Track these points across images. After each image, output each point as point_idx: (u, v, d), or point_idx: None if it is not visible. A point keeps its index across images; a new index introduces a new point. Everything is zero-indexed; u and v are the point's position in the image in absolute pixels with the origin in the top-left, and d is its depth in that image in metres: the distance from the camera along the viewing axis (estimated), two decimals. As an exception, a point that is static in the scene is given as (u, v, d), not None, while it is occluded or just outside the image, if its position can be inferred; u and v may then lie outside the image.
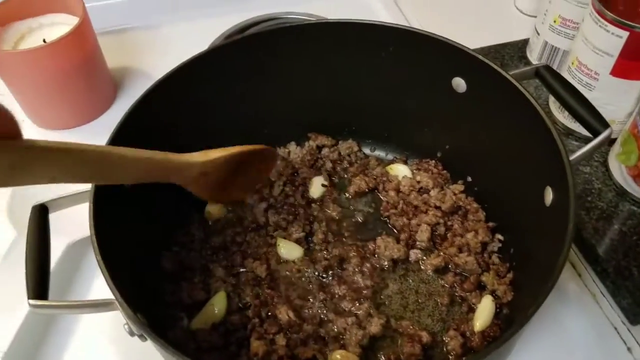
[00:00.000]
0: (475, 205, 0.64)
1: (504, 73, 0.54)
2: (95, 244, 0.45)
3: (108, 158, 0.40)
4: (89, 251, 0.63)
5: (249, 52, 0.61)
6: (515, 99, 0.53)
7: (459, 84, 0.60)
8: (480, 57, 0.56)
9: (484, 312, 0.56)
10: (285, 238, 0.63)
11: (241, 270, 0.61)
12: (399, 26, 0.61)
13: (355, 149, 0.72)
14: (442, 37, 0.58)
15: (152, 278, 0.59)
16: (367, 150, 0.73)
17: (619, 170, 0.68)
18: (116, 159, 0.40)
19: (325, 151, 0.72)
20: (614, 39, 0.63)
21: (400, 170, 0.69)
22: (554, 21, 0.76)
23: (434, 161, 0.69)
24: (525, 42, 0.86)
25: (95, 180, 0.45)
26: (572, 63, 0.69)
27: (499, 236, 0.61)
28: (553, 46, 0.79)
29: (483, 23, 0.93)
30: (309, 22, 0.63)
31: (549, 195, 0.50)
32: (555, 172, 0.48)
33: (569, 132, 0.75)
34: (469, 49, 0.57)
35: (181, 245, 0.62)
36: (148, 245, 0.58)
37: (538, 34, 0.80)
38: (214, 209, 0.66)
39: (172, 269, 0.60)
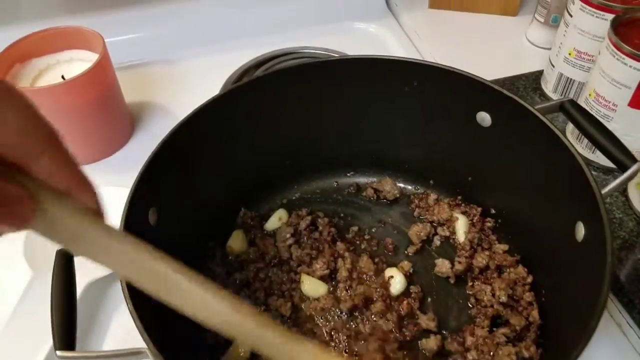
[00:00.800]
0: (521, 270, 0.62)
1: (530, 108, 0.55)
2: (125, 291, 0.43)
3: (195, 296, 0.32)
4: (109, 290, 0.63)
5: (272, 88, 0.62)
6: (542, 134, 0.54)
7: (484, 118, 0.60)
8: (505, 92, 0.56)
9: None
10: (309, 274, 0.62)
11: (264, 308, 0.60)
12: (423, 62, 0.62)
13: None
14: (466, 72, 0.59)
15: (175, 318, 0.57)
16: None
17: (639, 200, 0.68)
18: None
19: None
20: (632, 72, 0.63)
21: (459, 226, 0.66)
22: (569, 54, 0.77)
23: (478, 207, 0.68)
24: (538, 74, 0.87)
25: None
26: (590, 95, 0.70)
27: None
28: (568, 78, 0.79)
29: (495, 56, 0.94)
30: (331, 59, 0.64)
31: (580, 231, 0.50)
32: (586, 207, 0.48)
33: (587, 162, 0.74)
34: (494, 84, 0.57)
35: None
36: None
37: (553, 66, 0.81)
38: (236, 244, 0.65)
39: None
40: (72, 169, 0.29)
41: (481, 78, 0.58)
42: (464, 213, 0.67)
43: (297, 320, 0.59)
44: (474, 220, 0.66)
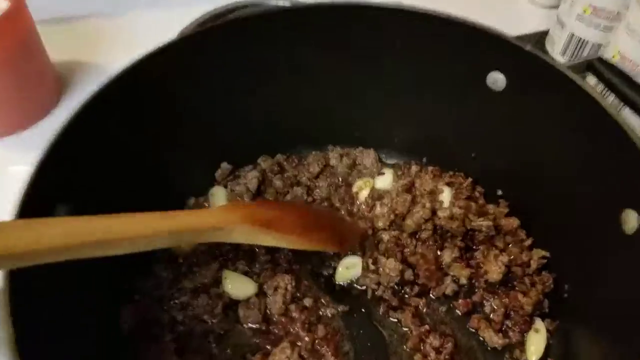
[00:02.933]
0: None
1: (557, 66, 0.44)
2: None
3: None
4: None
5: (234, 39, 0.50)
6: (572, 99, 0.43)
7: (497, 79, 0.49)
8: (525, 47, 0.45)
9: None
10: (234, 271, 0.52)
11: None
12: (420, 10, 0.49)
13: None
14: (475, 22, 0.47)
15: (108, 345, 0.45)
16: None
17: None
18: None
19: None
20: (668, 28, 0.53)
21: (445, 196, 0.56)
22: (584, 11, 0.66)
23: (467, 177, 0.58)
24: (542, 35, 0.77)
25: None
26: (614, 56, 0.60)
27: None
28: (580, 39, 0.69)
29: (492, 16, 0.81)
30: (308, 5, 0.51)
31: (630, 221, 0.40)
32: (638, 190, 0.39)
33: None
34: (510, 37, 0.46)
35: (144, 293, 0.49)
36: (98, 300, 0.45)
37: (562, 25, 0.70)
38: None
39: (134, 327, 0.47)
40: None
41: (492, 29, 0.46)
42: (449, 184, 0.57)
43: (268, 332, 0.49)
44: (463, 188, 0.56)
